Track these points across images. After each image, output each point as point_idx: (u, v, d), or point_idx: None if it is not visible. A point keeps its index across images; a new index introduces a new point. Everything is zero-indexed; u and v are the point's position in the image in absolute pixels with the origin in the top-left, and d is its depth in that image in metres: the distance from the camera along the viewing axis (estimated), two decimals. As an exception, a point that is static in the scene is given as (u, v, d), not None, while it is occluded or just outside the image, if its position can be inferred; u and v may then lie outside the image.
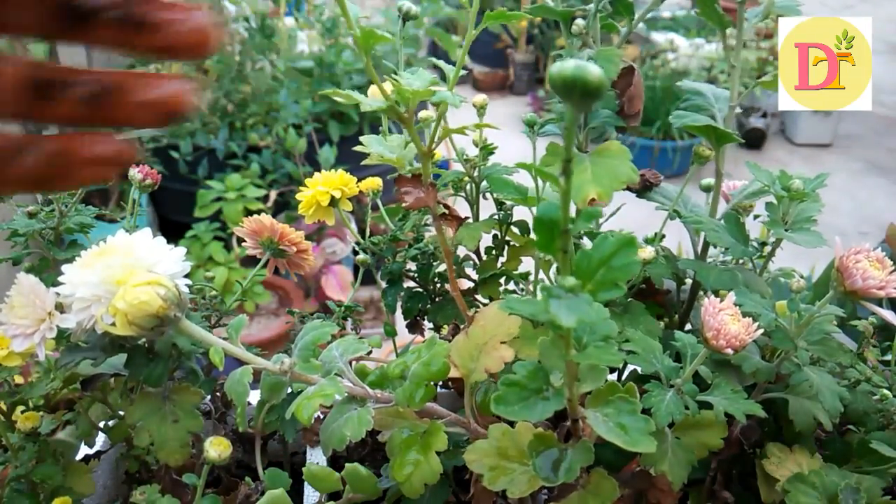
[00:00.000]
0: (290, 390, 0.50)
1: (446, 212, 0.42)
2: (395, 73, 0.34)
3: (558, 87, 0.21)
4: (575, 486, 0.34)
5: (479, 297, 0.51)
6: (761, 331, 0.36)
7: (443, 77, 0.37)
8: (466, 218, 0.49)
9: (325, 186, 0.50)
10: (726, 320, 0.35)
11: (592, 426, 0.30)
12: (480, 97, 0.49)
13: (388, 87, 0.34)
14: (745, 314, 0.40)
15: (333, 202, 0.51)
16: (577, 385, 0.30)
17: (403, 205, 0.37)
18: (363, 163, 0.40)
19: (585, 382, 0.31)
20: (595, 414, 0.31)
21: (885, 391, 0.44)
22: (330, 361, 0.35)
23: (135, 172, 0.52)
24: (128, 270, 0.34)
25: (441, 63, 0.36)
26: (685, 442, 0.38)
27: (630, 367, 0.48)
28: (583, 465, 0.31)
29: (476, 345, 0.37)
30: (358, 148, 0.39)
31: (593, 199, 0.40)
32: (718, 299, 0.36)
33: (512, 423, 0.34)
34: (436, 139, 0.36)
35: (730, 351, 0.34)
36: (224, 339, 0.36)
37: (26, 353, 0.42)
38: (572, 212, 0.48)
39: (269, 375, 0.35)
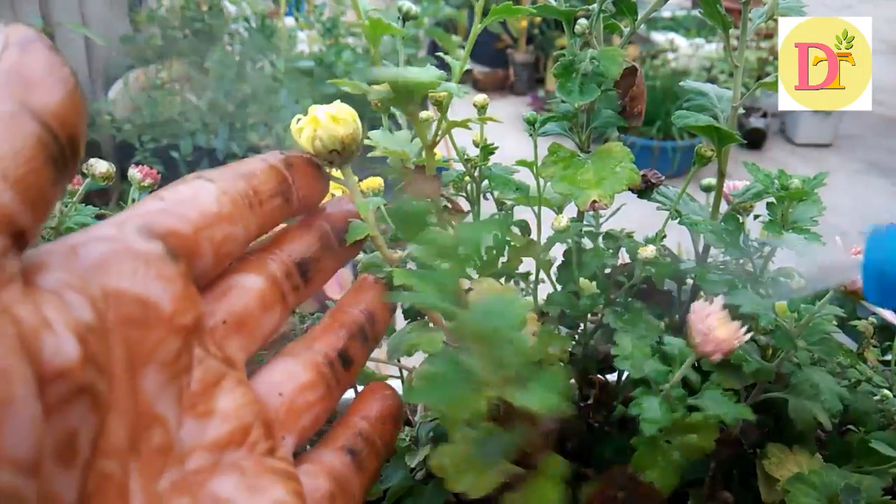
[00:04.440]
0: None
1: (449, 204, 0.42)
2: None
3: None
4: (528, 475, 0.34)
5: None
6: (749, 335, 0.35)
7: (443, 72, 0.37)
8: (469, 212, 0.49)
9: (325, 186, 0.51)
10: (714, 325, 0.34)
11: (511, 399, 0.29)
12: (481, 97, 0.49)
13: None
14: (744, 315, 0.40)
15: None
16: (500, 370, 0.30)
17: (405, 193, 0.37)
18: (370, 154, 0.41)
19: (508, 367, 0.31)
20: (521, 393, 0.30)
21: (886, 391, 0.44)
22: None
23: (134, 172, 0.52)
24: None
25: (448, 58, 0.36)
26: (676, 446, 0.38)
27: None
28: (522, 444, 0.31)
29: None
30: (366, 142, 0.39)
31: (595, 202, 0.40)
32: (707, 303, 0.35)
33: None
34: (440, 132, 0.35)
35: (717, 357, 0.34)
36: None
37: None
38: (573, 212, 0.48)
39: (371, 257, 0.34)
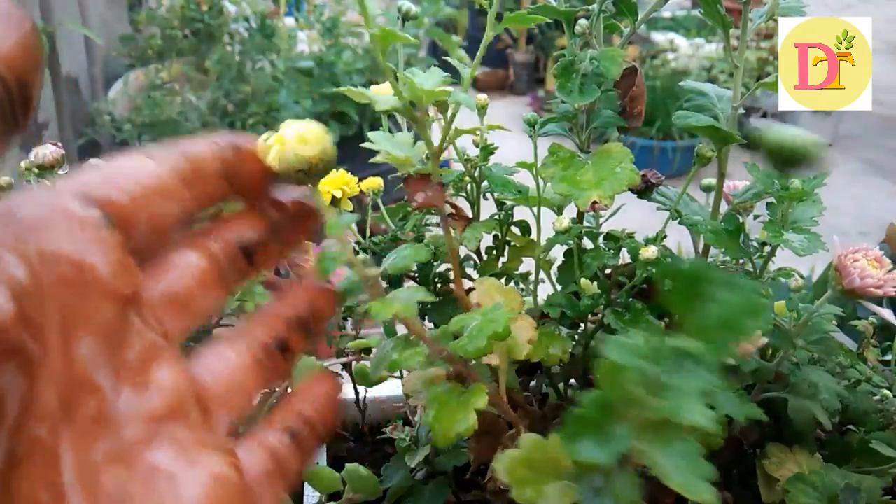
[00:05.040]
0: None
1: (454, 211, 0.42)
2: (395, 73, 0.34)
3: (771, 152, 0.20)
4: None
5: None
6: (765, 340, 0.35)
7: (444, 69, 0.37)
8: (472, 218, 0.49)
9: (326, 186, 0.50)
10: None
11: (650, 465, 0.27)
12: (482, 97, 0.49)
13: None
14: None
15: (335, 202, 0.52)
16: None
17: (412, 205, 0.36)
18: (371, 160, 0.40)
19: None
20: (653, 451, 0.28)
21: (886, 391, 0.44)
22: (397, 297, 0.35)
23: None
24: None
25: (456, 62, 0.35)
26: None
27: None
28: (627, 502, 0.29)
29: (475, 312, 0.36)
30: (366, 145, 0.39)
31: (595, 202, 0.40)
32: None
33: (544, 434, 0.33)
34: (447, 139, 0.35)
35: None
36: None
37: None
38: (573, 212, 0.48)
39: (349, 276, 0.34)
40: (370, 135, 0.38)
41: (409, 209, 0.54)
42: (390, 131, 0.45)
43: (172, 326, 0.23)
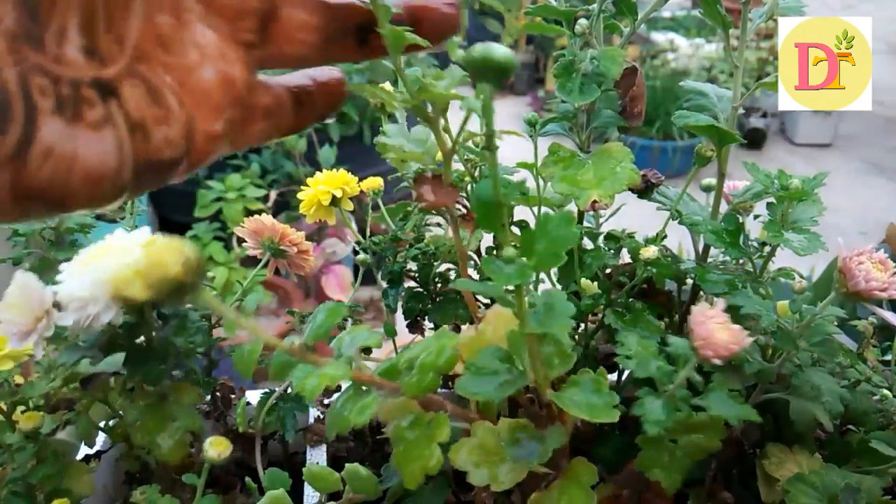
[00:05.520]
0: (289, 389, 0.50)
1: (465, 212, 0.41)
2: (395, 72, 0.34)
3: (472, 69, 0.24)
4: (556, 476, 0.34)
5: (480, 297, 0.51)
6: (751, 340, 0.35)
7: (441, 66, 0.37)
8: None
9: (326, 185, 0.50)
10: (715, 329, 0.34)
11: (557, 403, 0.32)
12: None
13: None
14: (745, 316, 0.39)
15: (335, 201, 0.52)
16: (544, 369, 0.32)
17: (421, 205, 0.36)
18: (384, 156, 0.40)
19: (553, 368, 0.33)
20: (562, 394, 0.32)
21: (885, 391, 0.44)
22: (340, 348, 0.35)
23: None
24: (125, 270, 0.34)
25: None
26: (681, 445, 0.38)
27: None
28: (556, 447, 0.32)
29: (485, 342, 0.37)
30: (379, 139, 0.38)
31: (595, 202, 0.40)
32: (708, 306, 0.35)
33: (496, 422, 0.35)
34: (459, 140, 0.35)
35: (717, 361, 0.34)
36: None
37: (20, 355, 0.42)
38: (573, 209, 0.48)
39: (279, 355, 0.35)
40: (385, 127, 0.39)
41: (409, 210, 0.54)
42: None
43: None
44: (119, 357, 0.45)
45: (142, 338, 0.45)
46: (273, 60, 0.26)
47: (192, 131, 0.24)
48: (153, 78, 0.23)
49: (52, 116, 0.20)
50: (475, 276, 0.52)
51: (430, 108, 0.33)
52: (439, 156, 0.36)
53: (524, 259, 0.28)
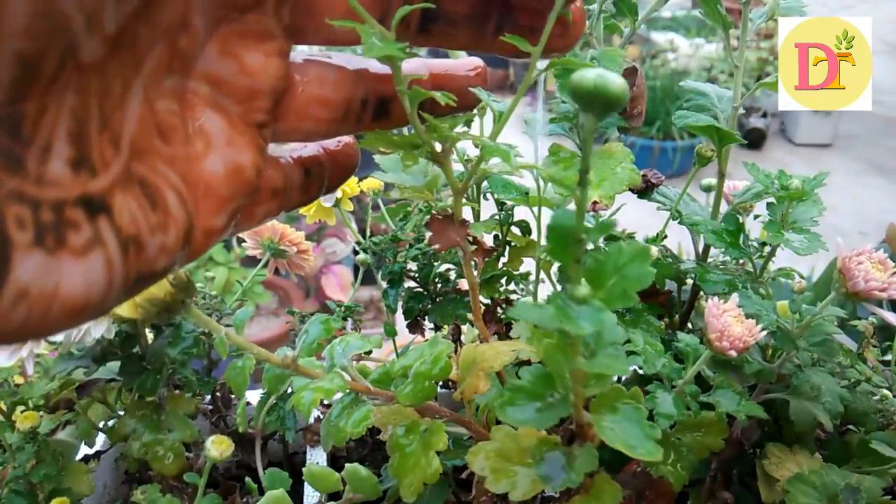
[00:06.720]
0: (290, 389, 0.50)
1: (475, 246, 0.41)
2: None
3: (579, 97, 0.20)
4: (577, 490, 0.33)
5: (480, 297, 0.51)
6: (765, 332, 0.36)
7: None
8: (495, 249, 0.48)
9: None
10: (730, 322, 0.34)
11: (598, 432, 0.29)
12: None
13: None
14: (747, 316, 0.39)
15: (335, 202, 0.52)
16: (583, 391, 0.30)
17: (434, 247, 0.35)
18: (389, 188, 0.39)
19: (591, 388, 0.31)
20: (600, 419, 0.30)
21: (885, 391, 0.44)
22: (333, 357, 0.35)
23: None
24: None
25: (489, 100, 0.33)
26: (687, 443, 0.38)
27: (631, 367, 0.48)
28: (587, 471, 0.30)
29: (474, 360, 0.36)
30: (376, 175, 0.37)
31: (595, 202, 0.40)
32: (721, 301, 0.36)
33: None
34: (472, 177, 0.33)
35: (733, 353, 0.34)
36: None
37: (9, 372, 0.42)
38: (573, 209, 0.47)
39: (272, 368, 0.34)
40: (380, 162, 0.37)
41: (409, 210, 0.54)
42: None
43: (296, 29, 0.23)
44: (115, 364, 0.45)
45: (136, 348, 0.45)
46: (283, 136, 0.24)
47: (191, 231, 0.21)
48: (150, 176, 0.20)
49: (30, 250, 0.17)
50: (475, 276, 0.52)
51: (438, 147, 0.31)
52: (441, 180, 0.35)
53: (597, 302, 0.25)
